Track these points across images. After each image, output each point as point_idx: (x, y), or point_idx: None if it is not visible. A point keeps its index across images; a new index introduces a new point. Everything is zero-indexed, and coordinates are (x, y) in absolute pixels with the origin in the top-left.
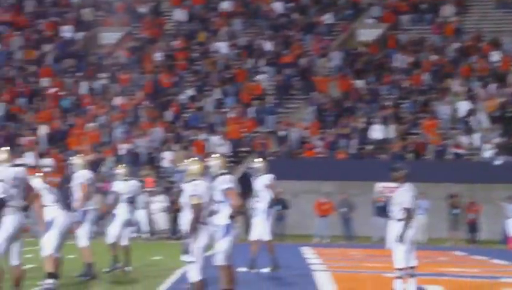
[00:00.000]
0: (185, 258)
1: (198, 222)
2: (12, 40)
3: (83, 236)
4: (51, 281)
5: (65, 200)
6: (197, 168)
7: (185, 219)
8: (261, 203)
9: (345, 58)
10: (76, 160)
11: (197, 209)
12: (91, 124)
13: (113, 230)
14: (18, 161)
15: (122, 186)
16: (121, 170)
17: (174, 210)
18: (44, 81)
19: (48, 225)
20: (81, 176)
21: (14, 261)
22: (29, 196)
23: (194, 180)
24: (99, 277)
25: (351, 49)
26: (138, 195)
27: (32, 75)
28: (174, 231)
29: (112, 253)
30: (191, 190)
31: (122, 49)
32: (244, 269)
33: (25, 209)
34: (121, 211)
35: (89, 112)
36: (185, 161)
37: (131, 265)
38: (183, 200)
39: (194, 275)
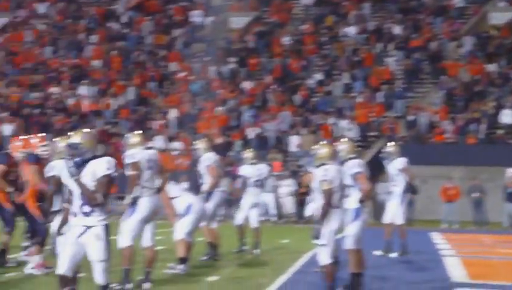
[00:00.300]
0: (316, 241)
1: (329, 206)
2: (143, 25)
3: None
4: (181, 266)
5: (195, 183)
6: (327, 153)
7: (313, 204)
8: (397, 187)
9: (476, 42)
10: (200, 144)
11: (328, 194)
12: (220, 108)
13: (241, 213)
14: (149, 144)
15: (250, 170)
16: (248, 154)
17: (300, 194)
18: (174, 66)
19: (186, 210)
20: (207, 159)
21: (147, 243)
22: (162, 178)
23: (323, 164)
24: (225, 259)
25: (482, 32)
26: (266, 179)
27: (162, 59)
28: (301, 215)
29: (239, 236)
30: (322, 175)
31: (250, 33)
32: (379, 253)
33: (158, 191)
34: (249, 195)
35: (217, 96)
36: (313, 145)
37: (260, 248)
38: (313, 185)
39: (325, 258)
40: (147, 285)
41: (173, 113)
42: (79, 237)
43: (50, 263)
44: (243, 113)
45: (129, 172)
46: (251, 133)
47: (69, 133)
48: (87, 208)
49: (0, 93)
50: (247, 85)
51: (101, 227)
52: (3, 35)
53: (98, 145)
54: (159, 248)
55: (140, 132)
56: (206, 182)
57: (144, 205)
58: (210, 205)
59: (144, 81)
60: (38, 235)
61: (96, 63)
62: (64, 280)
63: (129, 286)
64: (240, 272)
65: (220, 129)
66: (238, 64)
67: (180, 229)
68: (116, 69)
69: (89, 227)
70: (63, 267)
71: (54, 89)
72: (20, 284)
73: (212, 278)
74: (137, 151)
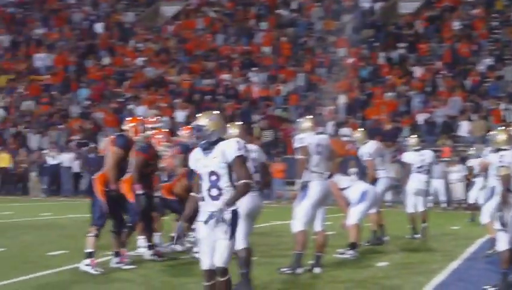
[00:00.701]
0: (496, 226)
1: (508, 192)
2: (312, 11)
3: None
4: (351, 251)
5: (364, 169)
6: (504, 138)
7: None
8: None
9: None
10: (358, 134)
11: (506, 179)
12: (389, 94)
13: (409, 200)
14: (320, 130)
15: (413, 156)
16: (411, 140)
17: (469, 180)
18: (343, 51)
19: (360, 197)
20: (365, 152)
21: (318, 227)
22: (333, 163)
23: (500, 150)
24: (393, 245)
25: None
26: (431, 165)
27: (332, 45)
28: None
29: (410, 224)
30: (498, 160)
31: (420, 18)
32: None
33: (329, 176)
34: (413, 181)
35: (387, 82)
36: (484, 130)
37: (426, 234)
38: (489, 171)
39: (502, 244)
40: (317, 269)
41: (342, 99)
42: (207, 223)
43: None
44: (412, 99)
45: (298, 156)
46: (420, 118)
47: (197, 115)
48: (214, 192)
49: (173, 80)
50: (416, 70)
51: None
52: (175, 22)
53: (225, 128)
54: (328, 233)
55: (311, 117)
56: (368, 172)
57: (314, 189)
58: (380, 194)
59: (313, 67)
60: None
61: (266, 49)
62: (209, 274)
63: (300, 270)
64: (410, 257)
65: (389, 115)
66: (408, 50)
67: (354, 215)
68: (285, 55)
69: (215, 211)
70: (204, 263)
71: (224, 76)
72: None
73: (381, 264)
74: (306, 135)
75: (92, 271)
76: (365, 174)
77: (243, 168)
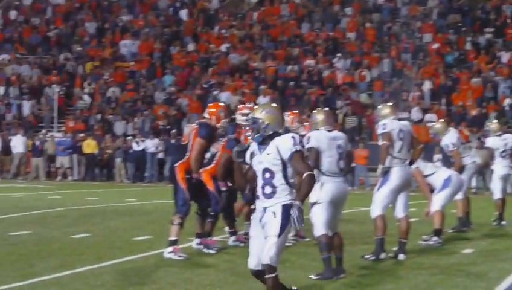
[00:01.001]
0: None
1: None
2: None
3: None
4: (436, 238)
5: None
6: None
7: None
8: None
9: None
10: (438, 124)
11: None
12: (475, 79)
13: (496, 186)
14: (402, 115)
15: (496, 141)
16: (492, 125)
17: None
18: (428, 37)
19: (444, 183)
20: (447, 143)
21: (400, 213)
22: (414, 150)
23: None
24: (478, 232)
25: None
26: None
27: (417, 30)
28: None
29: (497, 210)
30: None
31: (508, 3)
32: None
33: (410, 163)
34: (498, 167)
35: (473, 67)
36: None
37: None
38: None
39: None
40: (401, 256)
41: (427, 85)
42: (260, 221)
43: None
44: (499, 85)
45: (381, 142)
46: (507, 104)
47: (255, 107)
48: (268, 189)
49: (257, 67)
50: (503, 56)
51: (279, 205)
52: (260, 9)
53: (282, 122)
54: (412, 219)
55: (391, 103)
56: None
57: (395, 175)
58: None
59: (398, 53)
60: None
61: (351, 35)
62: (256, 275)
63: (383, 255)
64: (495, 244)
65: (476, 100)
66: (495, 35)
67: (437, 201)
68: (370, 41)
69: (268, 207)
70: (250, 262)
71: (309, 62)
72: None
73: (466, 251)
74: (388, 122)
75: (175, 257)
76: (450, 162)
77: (302, 163)
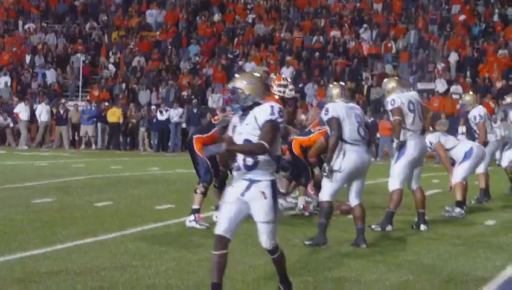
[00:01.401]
0: None
1: None
2: None
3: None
4: (458, 209)
5: (471, 128)
6: None
7: None
8: None
9: None
10: (467, 97)
11: None
12: (502, 51)
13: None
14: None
15: None
16: (508, 98)
17: None
18: (456, 8)
19: (466, 155)
20: (475, 115)
21: (414, 185)
22: (425, 119)
23: None
24: (500, 204)
25: None
26: None
27: (444, 2)
28: None
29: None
30: None
31: None
32: None
33: (422, 132)
34: None
35: (500, 39)
36: None
37: None
38: None
39: None
40: (423, 227)
41: (453, 57)
42: (242, 194)
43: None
44: None
45: (392, 118)
46: None
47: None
48: (249, 161)
49: (282, 37)
50: None
51: (267, 183)
52: None
53: (263, 92)
54: (435, 191)
55: (396, 77)
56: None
57: (411, 147)
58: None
59: (425, 25)
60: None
61: (378, 6)
62: (220, 240)
63: (389, 227)
64: None
65: (502, 73)
66: None
67: (459, 173)
68: (397, 12)
69: (252, 182)
70: (219, 227)
71: (335, 33)
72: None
73: (489, 222)
74: (395, 96)
75: (197, 226)
76: (474, 135)
77: (269, 134)
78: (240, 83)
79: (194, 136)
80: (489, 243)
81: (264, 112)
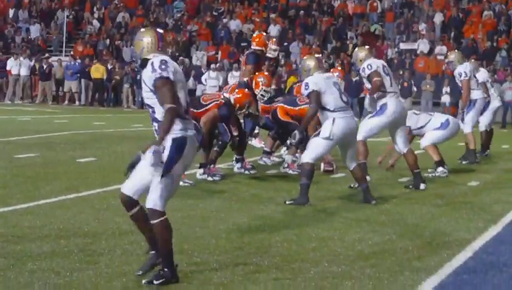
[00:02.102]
0: None
1: None
2: None
3: (468, 123)
4: (440, 168)
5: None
6: None
7: None
8: None
9: None
10: (452, 55)
11: None
12: (486, 12)
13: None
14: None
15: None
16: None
17: None
18: None
19: (442, 125)
20: (460, 72)
21: (403, 148)
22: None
23: None
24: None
25: None
26: None
27: None
28: None
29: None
30: None
31: None
32: None
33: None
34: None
35: (485, 0)
36: None
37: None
38: None
39: None
40: (422, 186)
41: (438, 17)
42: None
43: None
44: (511, 18)
45: (374, 79)
46: None
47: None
48: (156, 125)
49: None
50: None
51: (169, 139)
52: None
53: (153, 46)
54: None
55: (366, 46)
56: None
57: (392, 107)
58: (471, 114)
59: None
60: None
61: None
62: (126, 200)
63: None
64: (501, 178)
65: (487, 34)
66: None
67: (429, 138)
68: None
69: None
70: (124, 186)
71: None
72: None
73: (472, 183)
74: (370, 61)
75: (181, 183)
76: (457, 95)
77: (163, 92)
78: (135, 42)
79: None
80: (472, 204)
81: (147, 73)
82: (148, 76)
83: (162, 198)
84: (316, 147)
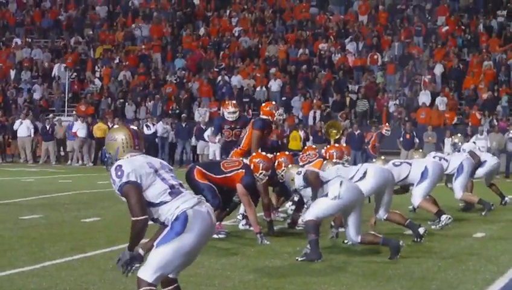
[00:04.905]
0: None
1: None
2: None
3: (457, 188)
4: (443, 217)
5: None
6: None
7: None
8: None
9: None
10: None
11: None
12: (487, 62)
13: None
14: None
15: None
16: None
17: None
18: (441, 20)
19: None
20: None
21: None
22: None
23: None
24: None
25: None
26: None
27: (429, 13)
28: None
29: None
30: None
31: None
32: None
33: None
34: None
35: (485, 50)
36: None
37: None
38: None
39: None
40: (422, 229)
41: (439, 68)
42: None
43: None
44: (511, 68)
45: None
46: None
47: None
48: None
49: (268, 50)
50: None
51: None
52: None
53: (125, 146)
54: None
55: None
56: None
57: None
58: (460, 179)
59: (410, 36)
60: None
61: (363, 18)
62: (163, 282)
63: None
64: (506, 228)
65: (488, 84)
66: (508, 18)
67: (418, 194)
68: (382, 24)
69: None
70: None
71: (320, 45)
72: None
73: (477, 235)
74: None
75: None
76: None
77: (128, 201)
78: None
79: (195, 167)
80: (479, 256)
81: (112, 179)
82: (114, 184)
83: (152, 270)
84: (321, 208)
